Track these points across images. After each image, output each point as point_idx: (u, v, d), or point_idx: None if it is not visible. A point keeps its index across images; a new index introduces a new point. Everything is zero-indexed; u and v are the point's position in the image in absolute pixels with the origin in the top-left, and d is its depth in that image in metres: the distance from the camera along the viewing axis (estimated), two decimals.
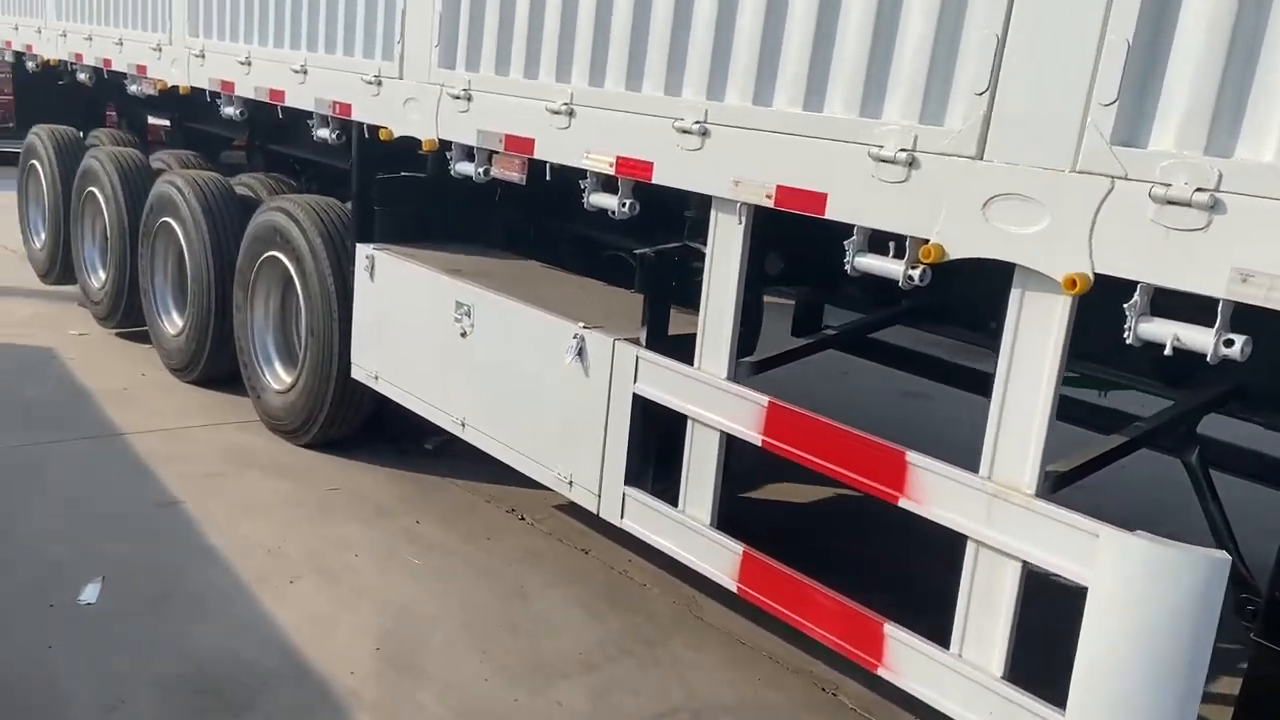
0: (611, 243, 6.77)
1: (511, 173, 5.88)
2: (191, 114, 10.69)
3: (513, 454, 6.00)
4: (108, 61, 9.89)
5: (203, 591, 5.78)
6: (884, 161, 4.00)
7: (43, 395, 8.69)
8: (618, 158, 5.17)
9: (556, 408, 5.67)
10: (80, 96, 11.93)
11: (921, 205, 3.90)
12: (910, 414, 8.63)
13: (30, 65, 11.66)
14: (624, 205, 5.29)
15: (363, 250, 7.01)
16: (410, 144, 6.62)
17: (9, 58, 12.27)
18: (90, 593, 5.60)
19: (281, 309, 8.33)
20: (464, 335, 6.22)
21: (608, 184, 5.42)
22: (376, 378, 7.01)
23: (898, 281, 4.07)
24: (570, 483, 5.63)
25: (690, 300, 5.47)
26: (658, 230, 5.66)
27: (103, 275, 10.54)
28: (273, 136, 9.49)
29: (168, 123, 12.50)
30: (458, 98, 6.07)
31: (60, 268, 11.38)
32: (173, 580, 5.86)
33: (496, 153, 5.98)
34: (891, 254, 4.13)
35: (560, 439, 5.68)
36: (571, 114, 5.39)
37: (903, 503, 4.10)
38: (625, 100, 5.14)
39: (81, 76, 10.61)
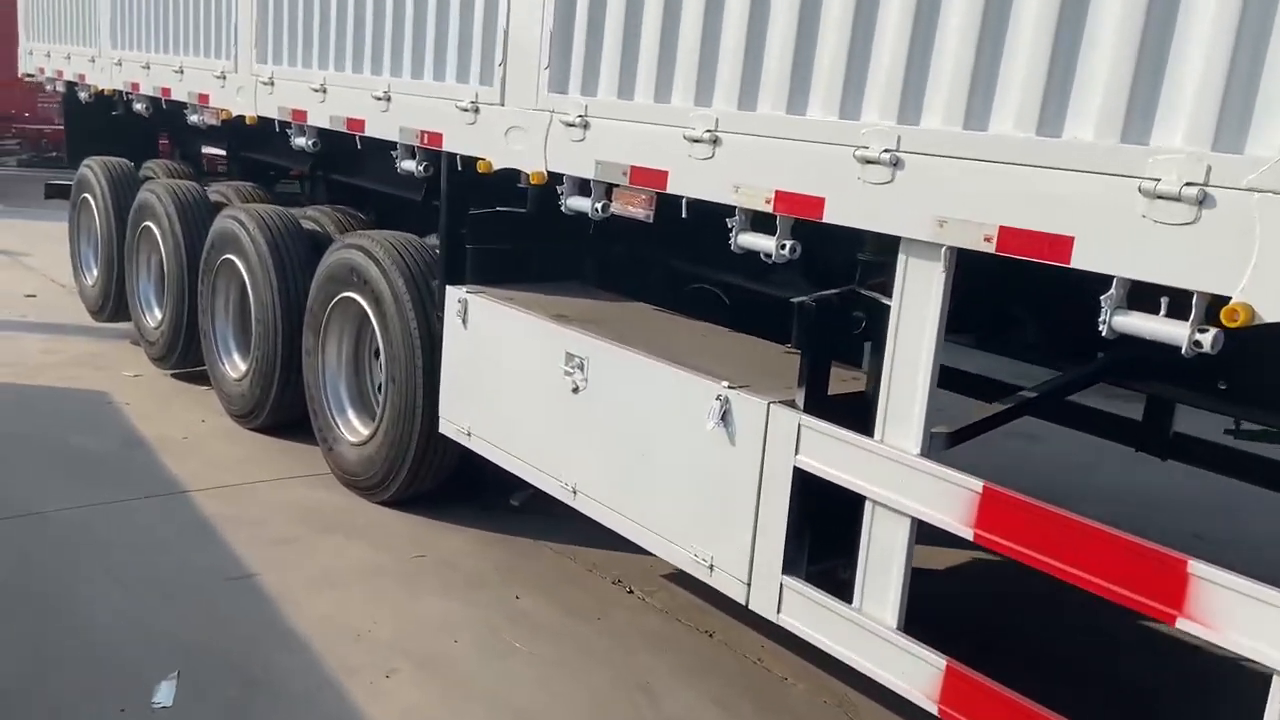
0: (734, 285, 5.92)
1: (636, 209, 5.03)
2: (248, 143, 9.88)
3: (637, 529, 5.13)
4: (166, 91, 9.09)
5: (287, 688, 4.92)
6: (1161, 199, 3.12)
7: (97, 446, 7.87)
8: (776, 192, 4.31)
9: (693, 479, 4.80)
10: (133, 127, 11.16)
11: (1217, 253, 3.02)
12: (1014, 459, 7.72)
13: (83, 96, 10.89)
14: (784, 247, 4.43)
15: (454, 293, 6.15)
16: (503, 176, 5.78)
17: (60, 88, 11.50)
18: (165, 693, 4.74)
19: (355, 354, 7.50)
20: (576, 391, 5.36)
21: (760, 222, 4.55)
22: (469, 434, 6.15)
23: (1179, 348, 3.19)
24: (710, 566, 4.75)
25: (853, 357, 4.62)
26: (778, 270, 4.82)
27: (158, 314, 9.73)
28: (337, 167, 8.67)
29: (223, 153, 11.83)
30: (572, 125, 5.22)
31: (113, 305, 10.58)
32: (253, 674, 5.00)
33: (618, 187, 5.12)
34: (1163, 312, 3.25)
35: (697, 515, 4.81)
36: (716, 142, 4.54)
37: (1183, 624, 3.21)
38: (787, 125, 4.28)
39: (138, 107, 9.83)
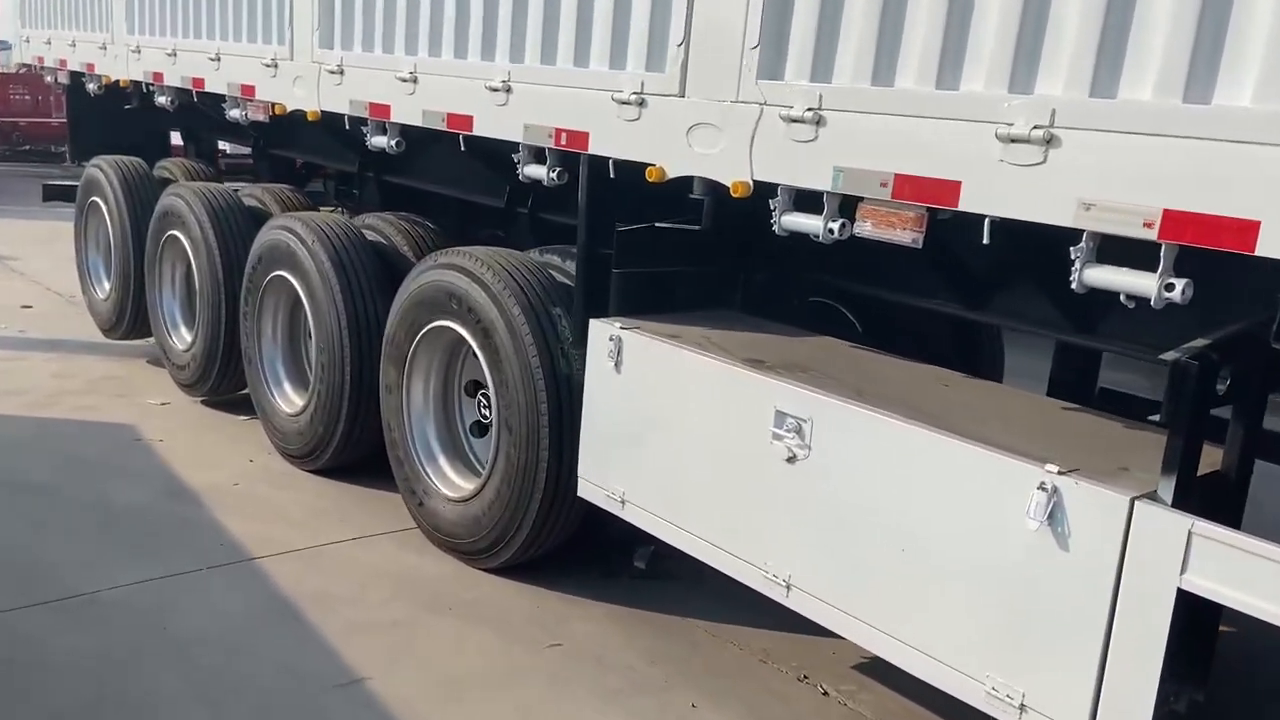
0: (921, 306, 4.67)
1: (901, 231, 3.72)
2: (279, 140, 8.47)
3: (892, 644, 3.84)
4: (199, 82, 7.65)
5: None
6: None
7: (138, 499, 6.47)
8: (1166, 212, 3.04)
9: (991, 589, 3.52)
10: (143, 122, 9.72)
11: None
12: None
13: (91, 88, 9.40)
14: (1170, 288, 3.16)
15: (603, 330, 4.82)
16: (637, 180, 4.51)
17: (63, 79, 9.99)
18: None
19: (445, 391, 6.15)
20: (792, 460, 4.06)
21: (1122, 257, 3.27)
22: (623, 501, 4.83)
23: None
24: (1020, 706, 3.47)
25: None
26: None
27: (187, 335, 8.31)
28: (392, 167, 7.29)
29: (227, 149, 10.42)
30: (797, 121, 3.90)
31: (130, 322, 9.14)
32: None
33: (868, 202, 3.81)
34: None
35: (998, 637, 3.52)
36: (1049, 141, 3.25)
37: None
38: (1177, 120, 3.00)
39: (161, 100, 8.37)
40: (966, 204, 3.43)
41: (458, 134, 5.54)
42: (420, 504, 6.02)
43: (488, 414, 5.85)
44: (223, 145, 10.83)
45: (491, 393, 5.50)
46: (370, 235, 6.90)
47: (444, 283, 5.68)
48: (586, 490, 5.03)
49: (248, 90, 7.10)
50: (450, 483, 5.95)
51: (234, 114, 7.39)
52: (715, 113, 4.21)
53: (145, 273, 8.62)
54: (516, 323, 5.31)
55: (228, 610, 5.22)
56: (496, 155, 5.77)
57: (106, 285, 9.49)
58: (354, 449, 6.80)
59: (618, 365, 4.76)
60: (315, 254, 6.62)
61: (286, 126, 7.37)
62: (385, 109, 5.93)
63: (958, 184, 3.45)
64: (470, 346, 5.68)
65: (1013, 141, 3.30)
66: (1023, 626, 3.43)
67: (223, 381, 7.97)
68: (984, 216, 3.43)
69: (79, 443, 7.35)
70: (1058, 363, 4.73)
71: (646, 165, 4.49)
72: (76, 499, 6.42)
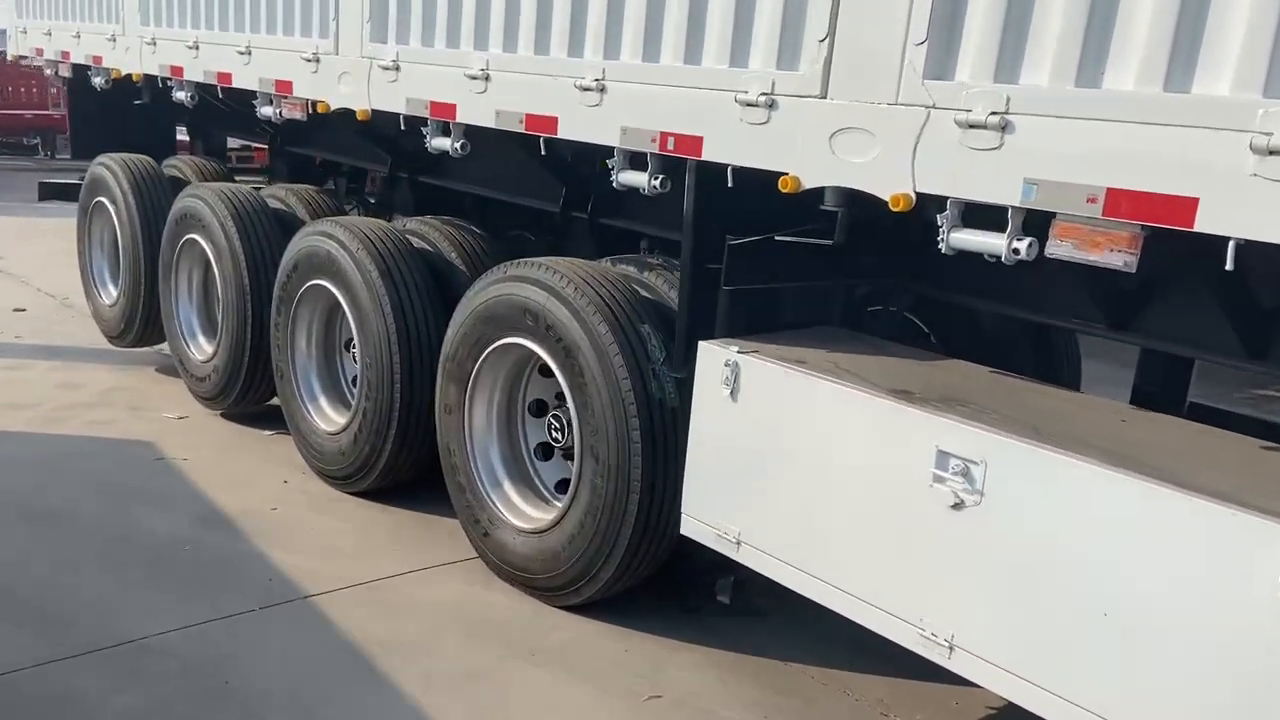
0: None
1: (1109, 253, 3.20)
2: (298, 138, 7.86)
3: (1085, 717, 3.33)
4: (225, 77, 7.03)
5: None
6: None
7: (171, 528, 5.88)
8: None
9: (1232, 661, 3.02)
10: (149, 118, 9.10)
11: None
12: None
13: (98, 82, 8.73)
14: None
15: (717, 354, 4.29)
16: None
17: (65, 73, 9.30)
18: None
19: (509, 412, 5.60)
20: (958, 507, 3.55)
21: None
22: (739, 542, 4.30)
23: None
24: None
25: None
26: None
27: (208, 347, 7.70)
28: (427, 166, 6.73)
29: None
30: (977, 127, 3.38)
31: (140, 329, 8.50)
32: None
33: (1065, 219, 3.30)
34: None
35: (1242, 716, 3.03)
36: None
37: None
38: None
39: (180, 95, 7.72)
40: (1206, 223, 2.92)
41: (534, 136, 4.97)
42: (485, 534, 5.47)
43: (560, 438, 5.32)
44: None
45: (573, 418, 4.96)
46: (416, 242, 6.32)
47: (518, 297, 5.12)
48: (692, 528, 4.50)
49: (283, 86, 6.49)
50: (519, 512, 5.40)
51: (266, 111, 6.78)
52: (867, 116, 3.68)
53: (160, 278, 7.99)
54: (603, 342, 4.77)
55: (292, 660, 4.66)
56: (554, 157, 5.25)
57: (113, 290, 8.86)
58: (401, 471, 6.24)
59: (734, 393, 4.22)
60: (361, 263, 6.04)
61: (307, 123, 6.79)
62: (449, 109, 5.36)
63: (1194, 200, 2.94)
64: (539, 364, 5.17)
65: (1271, 154, 2.79)
66: (1271, 706, 2.94)
67: (247, 395, 7.38)
68: (1227, 239, 2.92)
69: (97, 463, 6.74)
70: (1142, 373, 4.31)
71: (773, 173, 3.94)
72: (104, 529, 5.82)
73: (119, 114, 9.25)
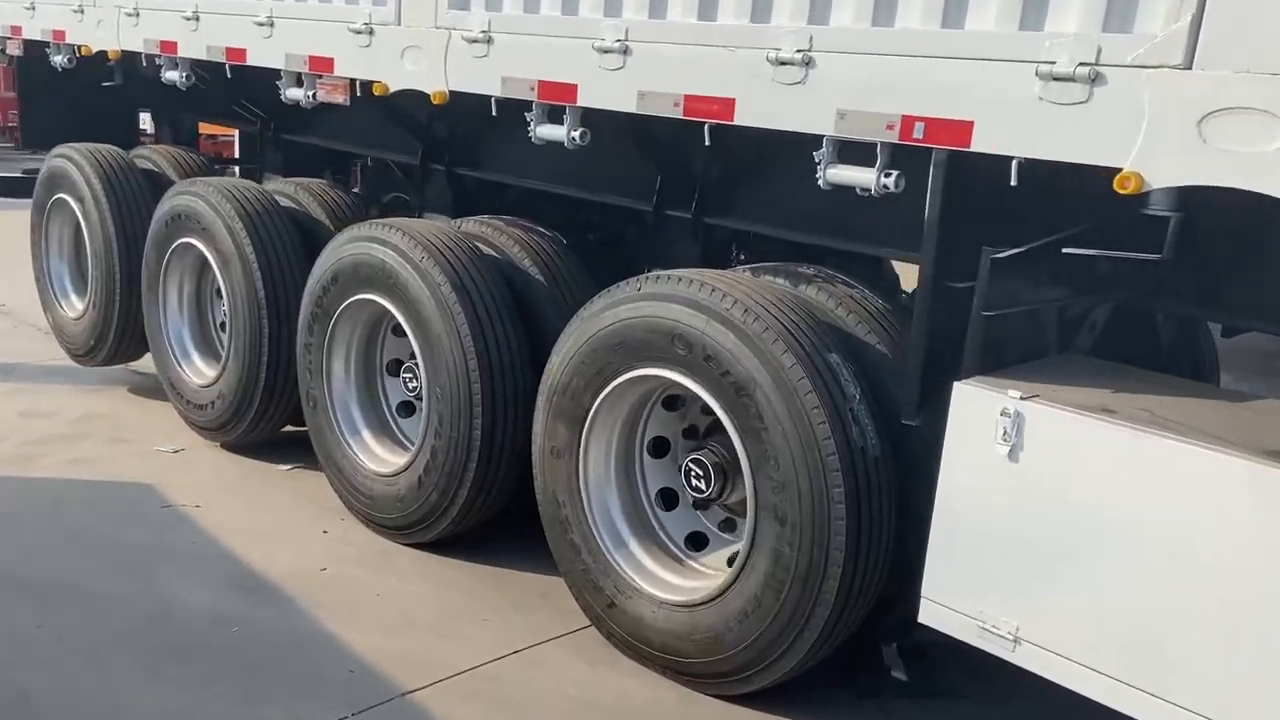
0: None
1: None
2: (298, 124, 6.62)
3: None
4: (238, 54, 5.75)
5: None
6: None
7: (207, 600, 4.68)
8: None
9: None
10: (106, 102, 7.74)
11: None
12: None
13: (58, 61, 7.31)
14: None
15: (985, 399, 3.27)
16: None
17: (15, 50, 7.84)
18: None
19: (626, 452, 4.51)
20: None
21: None
22: (1016, 640, 3.28)
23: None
24: None
25: None
26: None
27: (209, 370, 6.43)
28: (471, 156, 5.60)
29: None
30: None
31: (114, 345, 7.15)
32: None
33: None
34: None
35: None
36: None
37: None
38: None
39: (170, 75, 6.39)
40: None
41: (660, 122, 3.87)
42: (611, 605, 4.38)
43: (704, 488, 4.25)
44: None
45: (747, 472, 3.89)
46: (486, 250, 5.18)
47: (663, 320, 4.03)
48: (938, 617, 3.47)
49: (320, 64, 5.27)
50: (656, 579, 4.32)
51: (294, 94, 5.54)
52: (1253, 90, 2.67)
53: (144, 289, 6.67)
54: (790, 378, 3.72)
55: None
56: (653, 144, 4.21)
57: (78, 301, 7.51)
58: (471, 520, 5.12)
59: (1015, 451, 3.20)
60: (428, 275, 4.88)
61: (311, 108, 5.62)
62: (566, 90, 4.22)
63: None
64: (663, 397, 4.12)
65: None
66: None
67: (260, 425, 6.15)
68: None
69: (93, 515, 5.47)
70: None
71: (1055, 168, 2.93)
72: (126, 606, 4.60)
73: (73, 99, 7.87)
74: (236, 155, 9.11)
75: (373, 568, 5.07)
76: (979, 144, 3.15)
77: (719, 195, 4.51)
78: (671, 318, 4.00)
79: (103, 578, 4.81)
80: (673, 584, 4.28)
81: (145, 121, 8.70)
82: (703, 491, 4.25)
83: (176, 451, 6.35)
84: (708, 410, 4.40)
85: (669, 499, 4.55)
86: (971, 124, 3.14)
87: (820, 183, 3.56)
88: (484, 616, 4.67)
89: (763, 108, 3.62)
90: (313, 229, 6.10)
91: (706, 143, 3.86)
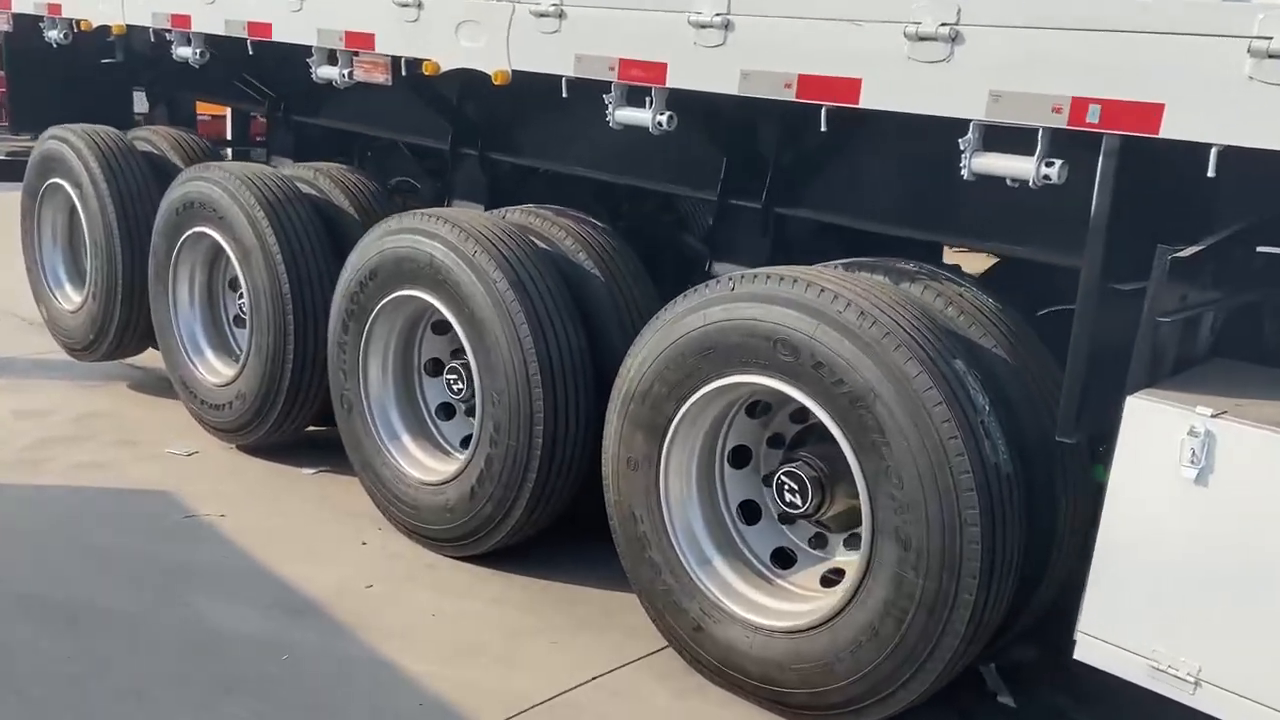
0: None
1: None
2: (312, 105, 6.13)
3: None
4: (263, 29, 5.24)
5: None
6: None
7: (249, 625, 4.25)
8: None
9: None
10: (98, 81, 7.22)
11: None
12: None
13: (53, 36, 6.73)
14: None
15: (1166, 416, 2.90)
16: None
17: (3, 25, 7.24)
18: None
19: (708, 463, 4.10)
20: None
21: None
22: (1197, 682, 2.92)
23: None
24: None
25: None
26: None
27: (226, 369, 5.95)
28: (508, 138, 5.17)
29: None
30: None
31: (115, 340, 6.63)
32: None
33: None
34: None
35: None
36: None
37: None
38: None
39: (183, 52, 5.85)
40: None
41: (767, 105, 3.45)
42: (697, 628, 3.97)
43: (799, 502, 3.86)
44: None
45: (864, 490, 3.51)
46: (538, 242, 4.74)
47: (763, 324, 3.62)
48: (1102, 657, 3.10)
49: (359, 40, 4.79)
50: (750, 602, 3.93)
51: (326, 73, 5.06)
52: None
53: (151, 281, 6.16)
54: (916, 388, 3.33)
55: None
56: (722, 127, 3.82)
57: (73, 293, 6.98)
58: (526, 532, 4.70)
59: (1204, 474, 2.82)
60: (482, 271, 4.44)
61: (324, 88, 5.17)
62: (656, 70, 3.78)
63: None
64: (747, 404, 3.72)
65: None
66: None
67: (283, 426, 5.69)
68: None
69: (111, 528, 5.00)
70: None
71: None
72: (161, 633, 4.15)
73: (64, 78, 7.32)
74: (229, 136, 8.61)
75: (423, 584, 4.64)
76: (1170, 129, 2.75)
77: (797, 183, 4.10)
78: (773, 320, 3.60)
79: (134, 600, 4.35)
80: (765, 606, 3.89)
81: (138, 101, 8.09)
82: (798, 507, 3.85)
83: (190, 454, 5.87)
84: (798, 417, 4.02)
85: (750, 512, 4.15)
86: (1163, 106, 2.74)
87: (964, 173, 3.14)
88: (552, 639, 4.25)
89: (897, 89, 3.20)
90: (336, 218, 5.65)
91: (822, 128, 3.40)
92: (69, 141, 6.57)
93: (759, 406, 4.06)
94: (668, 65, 3.73)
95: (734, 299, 3.73)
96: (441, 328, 5.02)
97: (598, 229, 4.90)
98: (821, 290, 3.53)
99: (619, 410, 4.10)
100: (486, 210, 5.13)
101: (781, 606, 3.86)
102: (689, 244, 5.03)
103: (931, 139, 3.24)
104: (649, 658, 4.15)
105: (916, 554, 3.35)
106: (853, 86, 3.30)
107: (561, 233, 4.82)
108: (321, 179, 5.85)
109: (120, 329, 6.53)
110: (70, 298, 6.95)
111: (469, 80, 4.49)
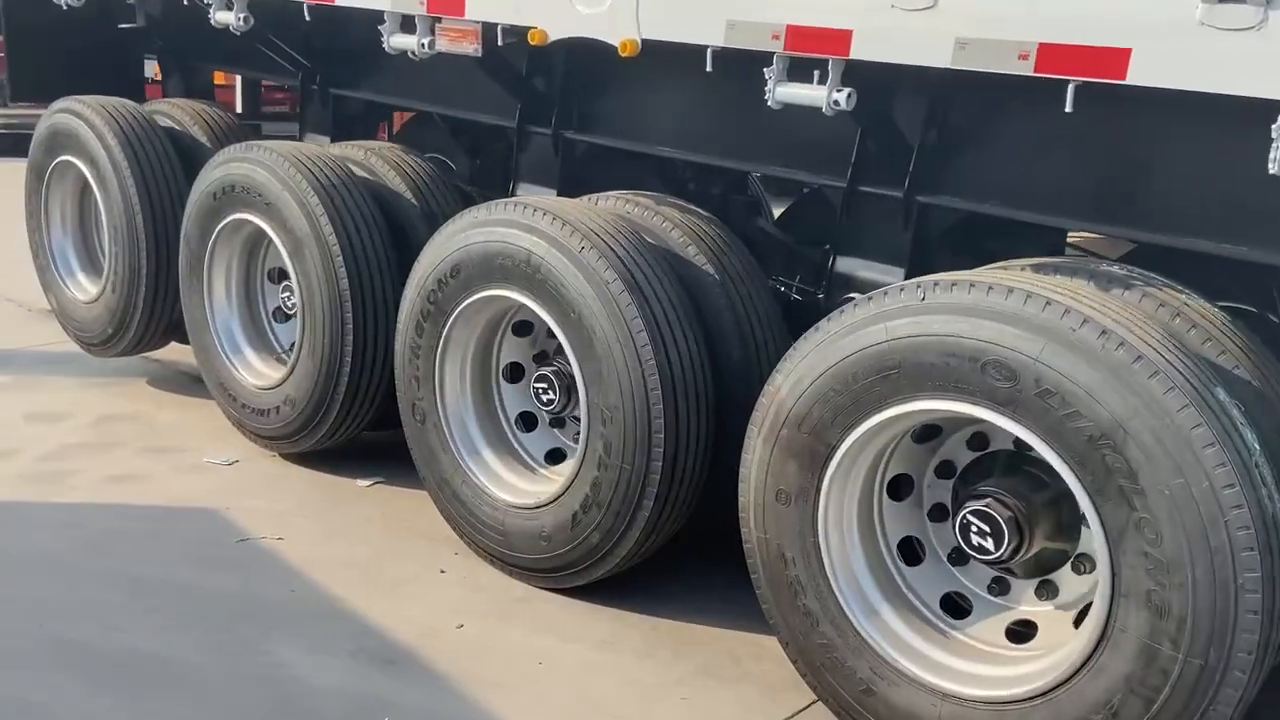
0: None
1: None
2: (349, 77, 5.41)
3: None
4: None
5: None
6: None
7: (336, 678, 3.56)
8: None
9: None
10: (108, 48, 6.45)
11: None
12: None
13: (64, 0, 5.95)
14: None
15: None
16: None
17: None
18: None
19: (869, 498, 3.46)
20: None
21: None
22: None
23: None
24: None
25: None
26: None
27: (272, 372, 5.21)
28: (573, 120, 4.50)
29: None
30: None
31: (138, 334, 5.86)
32: None
33: None
34: None
35: None
36: None
37: None
38: None
39: (223, 16, 5.06)
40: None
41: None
42: (868, 691, 3.33)
43: (991, 547, 3.22)
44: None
45: (1101, 545, 2.88)
46: (647, 238, 4.06)
47: (966, 341, 2.97)
48: None
49: (444, 4, 4.05)
50: (924, 659, 3.29)
51: (400, 43, 4.31)
52: None
53: (183, 275, 5.40)
54: (1179, 424, 2.70)
55: None
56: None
57: (88, 283, 6.21)
58: (635, 562, 4.04)
59: None
60: (590, 270, 3.76)
61: (362, 59, 4.58)
62: (838, 39, 3.08)
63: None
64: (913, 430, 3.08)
65: None
66: None
67: (335, 435, 4.99)
68: None
69: (155, 553, 4.29)
70: None
71: None
72: (234, 685, 3.47)
73: (70, 45, 6.55)
74: (238, 109, 7.88)
75: (519, 622, 3.97)
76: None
77: (947, 169, 3.46)
78: (981, 338, 2.94)
79: (195, 646, 3.65)
80: (949, 668, 3.25)
81: (148, 70, 7.33)
82: (989, 552, 3.21)
83: (230, 464, 5.15)
84: (976, 443, 3.38)
85: (909, 553, 3.51)
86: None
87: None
88: (681, 694, 3.59)
89: (1155, 61, 2.54)
90: (394, 204, 4.97)
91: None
92: (82, 115, 5.79)
93: (927, 430, 3.42)
94: (853, 33, 3.04)
95: (924, 310, 3.06)
96: (523, 329, 4.35)
97: (704, 219, 4.25)
98: (1048, 303, 2.87)
99: (765, 435, 3.43)
100: (558, 195, 4.46)
101: (965, 668, 3.22)
102: (765, 229, 4.38)
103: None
104: (798, 715, 3.51)
105: (1177, 624, 2.72)
106: (1113, 60, 2.63)
107: (667, 224, 4.15)
108: (375, 160, 5.12)
109: (143, 323, 5.78)
110: (85, 288, 6.17)
111: (542, 48, 3.79)
